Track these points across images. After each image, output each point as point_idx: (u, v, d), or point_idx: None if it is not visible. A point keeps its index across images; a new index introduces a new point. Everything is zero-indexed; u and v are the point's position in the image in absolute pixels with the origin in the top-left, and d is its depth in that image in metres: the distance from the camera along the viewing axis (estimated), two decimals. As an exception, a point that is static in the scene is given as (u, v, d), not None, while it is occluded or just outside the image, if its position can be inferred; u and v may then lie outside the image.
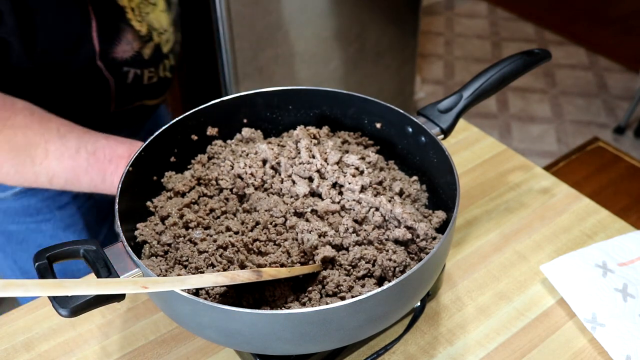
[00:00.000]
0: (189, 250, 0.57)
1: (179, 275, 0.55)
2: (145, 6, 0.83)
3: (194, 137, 0.69)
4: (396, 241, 0.59)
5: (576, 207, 0.83)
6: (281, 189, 0.64)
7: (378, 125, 0.71)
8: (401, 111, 0.67)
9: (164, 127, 0.64)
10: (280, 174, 0.65)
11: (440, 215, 0.62)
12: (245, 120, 0.72)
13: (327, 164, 0.64)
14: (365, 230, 0.59)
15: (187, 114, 0.67)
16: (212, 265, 0.55)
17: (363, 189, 0.62)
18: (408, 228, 0.59)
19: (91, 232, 0.92)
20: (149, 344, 0.66)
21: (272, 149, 0.66)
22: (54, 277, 0.48)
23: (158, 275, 0.54)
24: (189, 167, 0.69)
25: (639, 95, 2.32)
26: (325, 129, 0.71)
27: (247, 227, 0.60)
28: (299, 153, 0.66)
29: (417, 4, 1.99)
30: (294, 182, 0.64)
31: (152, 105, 0.94)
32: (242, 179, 0.65)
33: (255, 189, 0.64)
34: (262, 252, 0.58)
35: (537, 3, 3.21)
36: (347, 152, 0.69)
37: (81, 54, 0.76)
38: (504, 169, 0.89)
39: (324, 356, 0.61)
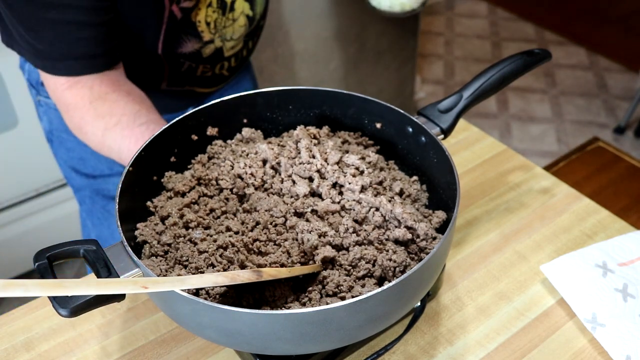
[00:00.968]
0: (189, 250, 0.57)
1: (179, 275, 0.55)
2: (223, 21, 0.87)
3: (194, 137, 0.69)
4: (396, 241, 0.59)
5: (576, 207, 0.83)
6: (281, 189, 0.64)
7: (378, 125, 0.71)
8: (401, 111, 0.67)
9: (164, 127, 0.64)
10: (280, 174, 0.65)
11: (440, 215, 0.62)
12: (245, 120, 0.72)
13: (327, 164, 0.64)
14: (365, 230, 0.59)
15: (187, 114, 0.67)
16: (212, 265, 0.55)
17: (363, 189, 0.62)
18: (408, 228, 0.59)
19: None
20: (149, 344, 0.66)
21: (272, 149, 0.66)
22: (54, 277, 0.48)
23: (158, 275, 0.54)
24: (189, 167, 0.69)
25: (639, 95, 2.32)
26: (325, 129, 0.71)
27: (247, 227, 0.60)
28: (299, 153, 0.66)
29: (417, 4, 1.99)
30: (294, 182, 0.64)
31: (202, 92, 0.98)
32: (242, 179, 0.65)
33: (256, 189, 0.64)
34: (262, 252, 0.58)
35: (537, 3, 3.21)
36: (347, 152, 0.69)
37: (146, 44, 0.84)
38: (504, 169, 0.89)
39: (324, 356, 0.61)
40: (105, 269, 0.49)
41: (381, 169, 0.68)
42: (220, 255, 0.56)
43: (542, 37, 2.97)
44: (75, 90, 0.74)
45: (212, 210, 0.62)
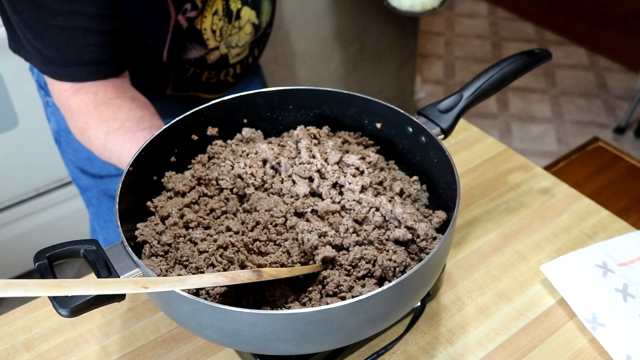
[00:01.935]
0: (189, 250, 0.57)
1: (179, 275, 0.55)
2: (229, 30, 0.87)
3: (194, 137, 0.69)
4: (396, 241, 0.59)
5: (576, 207, 0.83)
6: (281, 189, 0.64)
7: (378, 125, 0.71)
8: (401, 111, 0.67)
9: (164, 127, 0.64)
10: (280, 174, 0.65)
11: (440, 215, 0.62)
12: (245, 120, 0.72)
13: (328, 164, 0.64)
14: (365, 230, 0.59)
15: (187, 114, 0.67)
16: (212, 265, 0.55)
17: (363, 189, 0.62)
18: (408, 228, 0.59)
19: None
20: (149, 344, 0.66)
21: (272, 149, 0.66)
22: (54, 277, 0.48)
23: (158, 275, 0.54)
24: (189, 167, 0.69)
25: (639, 95, 2.32)
26: (325, 129, 0.71)
27: (247, 227, 0.60)
28: (299, 153, 0.66)
29: (417, 4, 1.99)
30: (294, 182, 0.64)
31: (207, 98, 0.97)
32: (242, 179, 0.65)
33: (256, 189, 0.64)
34: (262, 252, 0.58)
35: (537, 3, 3.21)
36: (347, 152, 0.69)
37: (152, 50, 0.84)
38: (504, 169, 0.89)
39: (324, 356, 0.61)
40: (105, 269, 0.49)
41: (381, 169, 0.68)
42: (221, 255, 0.56)
43: (542, 37, 2.97)
44: (80, 95, 0.74)
45: (212, 210, 0.62)
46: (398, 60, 2.08)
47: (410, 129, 0.67)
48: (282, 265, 0.55)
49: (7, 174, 1.50)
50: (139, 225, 0.60)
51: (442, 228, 0.62)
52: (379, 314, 0.50)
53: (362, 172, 0.64)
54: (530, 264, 0.75)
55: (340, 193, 0.63)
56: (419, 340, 0.67)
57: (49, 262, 0.49)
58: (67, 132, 0.97)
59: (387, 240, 0.58)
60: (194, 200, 0.63)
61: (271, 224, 0.60)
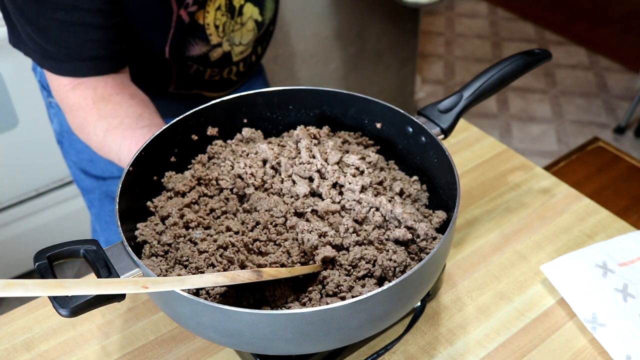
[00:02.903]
0: (189, 250, 0.57)
1: (179, 275, 0.55)
2: (232, 25, 0.87)
3: (194, 137, 0.69)
4: (396, 241, 0.59)
5: (576, 207, 0.83)
6: (281, 189, 0.64)
7: (378, 125, 0.71)
8: (401, 111, 0.67)
9: (164, 127, 0.64)
10: (280, 174, 0.65)
11: (440, 215, 0.62)
12: (245, 120, 0.72)
13: (328, 164, 0.64)
14: (365, 230, 0.59)
15: (187, 114, 0.67)
16: (213, 265, 0.55)
17: (363, 189, 0.62)
18: (408, 228, 0.59)
19: None
20: (149, 344, 0.66)
21: (272, 149, 0.66)
22: (54, 277, 0.48)
23: (158, 275, 0.54)
24: (189, 167, 0.69)
25: (639, 95, 2.32)
26: (325, 129, 0.71)
27: (247, 227, 0.60)
28: (299, 153, 0.66)
29: (417, 4, 1.99)
30: (294, 182, 0.64)
31: (211, 96, 0.97)
32: (242, 179, 0.65)
33: (256, 189, 0.64)
34: (262, 252, 0.58)
35: (537, 3, 3.21)
36: (347, 152, 0.69)
37: (154, 46, 0.84)
38: (504, 169, 0.89)
39: (324, 356, 0.61)
40: (105, 269, 0.49)
41: (381, 169, 0.68)
42: (221, 255, 0.56)
43: (542, 37, 2.97)
44: (79, 91, 0.74)
45: (212, 210, 0.62)
46: (398, 60, 2.08)
47: (410, 129, 0.67)
48: (282, 265, 0.55)
49: (7, 174, 1.50)
50: (139, 225, 0.60)
51: (442, 228, 0.62)
52: (379, 314, 0.50)
53: (362, 172, 0.64)
54: (530, 264, 0.75)
55: (340, 193, 0.63)
56: (419, 340, 0.67)
57: (49, 262, 0.49)
58: (70, 133, 0.97)
59: (387, 240, 0.58)
60: (194, 200, 0.63)
61: (271, 224, 0.60)
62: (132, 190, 0.59)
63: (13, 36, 0.79)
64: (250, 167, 0.65)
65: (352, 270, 0.56)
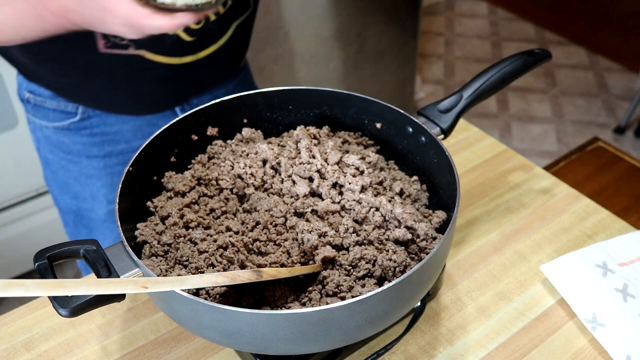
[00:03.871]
0: (189, 250, 0.57)
1: (179, 275, 0.55)
2: None
3: (194, 137, 0.69)
4: (396, 241, 0.59)
5: (576, 207, 0.83)
6: (281, 189, 0.64)
7: (378, 125, 0.71)
8: (401, 111, 0.67)
9: (163, 127, 0.64)
10: (280, 174, 0.65)
11: (440, 215, 0.62)
12: (245, 120, 0.72)
13: (327, 164, 0.64)
14: (365, 230, 0.59)
15: (187, 114, 0.67)
16: (212, 265, 0.55)
17: (363, 189, 0.62)
18: (408, 228, 0.59)
19: (110, 193, 0.93)
20: (149, 344, 0.66)
21: (272, 149, 0.66)
22: (54, 277, 0.48)
23: (158, 275, 0.54)
24: (189, 167, 0.69)
25: (639, 95, 2.32)
26: (325, 129, 0.71)
27: (247, 227, 0.60)
28: (299, 153, 0.66)
29: (417, 4, 1.99)
30: (294, 182, 0.64)
31: (161, 64, 0.79)
32: (242, 179, 0.65)
33: (256, 189, 0.64)
34: (262, 252, 0.58)
35: (537, 3, 3.21)
36: (347, 152, 0.69)
37: None
38: (504, 169, 0.89)
39: (324, 356, 0.61)
40: (105, 269, 0.49)
41: (381, 169, 0.68)
42: (220, 255, 0.56)
43: (542, 37, 2.97)
44: None
45: (212, 210, 0.62)
46: (398, 60, 2.09)
47: (410, 129, 0.67)
48: (282, 265, 0.55)
49: (7, 174, 1.50)
50: (139, 225, 0.60)
51: (442, 228, 0.62)
52: (379, 314, 0.50)
53: (362, 172, 0.64)
54: (530, 264, 0.75)
55: (340, 193, 0.63)
56: (419, 340, 0.67)
57: (49, 262, 0.49)
58: (45, 152, 0.91)
59: (387, 240, 0.58)
60: (194, 200, 0.63)
61: (271, 224, 0.60)
62: (132, 190, 0.59)
63: None
64: (250, 167, 0.65)
65: (352, 270, 0.56)
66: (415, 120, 0.66)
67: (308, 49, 1.81)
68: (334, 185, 0.63)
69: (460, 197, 0.57)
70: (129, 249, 0.51)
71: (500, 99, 2.59)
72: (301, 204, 0.61)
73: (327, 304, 0.48)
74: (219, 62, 0.87)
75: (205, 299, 0.54)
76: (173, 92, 0.87)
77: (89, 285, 0.41)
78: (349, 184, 0.62)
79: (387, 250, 0.57)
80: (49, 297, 0.44)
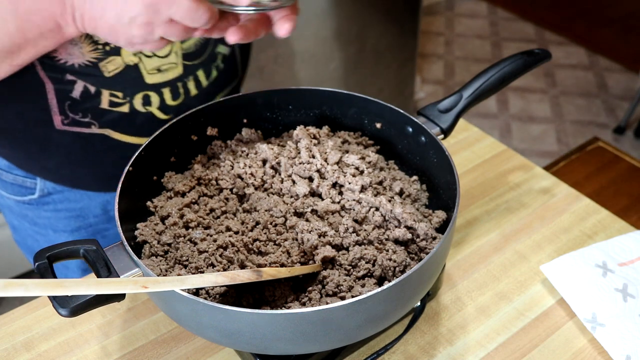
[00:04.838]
0: (189, 250, 0.57)
1: (179, 275, 0.55)
2: None
3: (194, 137, 0.69)
4: (396, 241, 0.59)
5: (576, 207, 0.83)
6: (281, 189, 0.64)
7: (378, 125, 0.71)
8: (401, 111, 0.67)
9: (163, 127, 0.64)
10: (280, 174, 0.65)
11: (440, 215, 0.62)
12: (245, 120, 0.72)
13: (327, 163, 0.64)
14: (365, 230, 0.59)
15: (187, 113, 0.67)
16: (212, 265, 0.55)
17: (363, 189, 0.62)
18: (408, 228, 0.59)
19: (84, 263, 0.79)
20: (149, 344, 0.66)
21: (272, 149, 0.66)
22: (54, 277, 0.48)
23: (158, 275, 0.54)
24: (189, 167, 0.69)
25: (639, 95, 2.32)
26: (325, 129, 0.71)
27: (247, 227, 0.60)
28: (299, 153, 0.66)
29: (417, 4, 1.99)
30: (294, 182, 0.64)
31: (129, 144, 0.71)
32: (242, 179, 0.65)
33: (255, 189, 0.64)
34: (262, 252, 0.58)
35: (537, 3, 3.21)
36: (347, 152, 0.69)
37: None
38: (504, 169, 0.89)
39: (324, 356, 0.61)
40: (105, 269, 0.49)
41: (381, 169, 0.68)
42: (220, 255, 0.56)
43: (542, 37, 2.97)
44: None
45: (212, 210, 0.62)
46: (398, 60, 2.08)
47: (410, 129, 0.67)
48: (282, 265, 0.56)
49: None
50: (138, 225, 0.60)
51: (442, 228, 0.62)
52: (379, 313, 0.50)
53: (362, 172, 0.64)
54: (530, 264, 0.75)
55: (340, 193, 0.63)
56: (418, 340, 0.67)
57: (49, 262, 0.49)
58: (11, 218, 0.85)
59: (386, 240, 0.58)
60: (193, 200, 0.63)
61: (271, 224, 0.60)
62: (132, 190, 0.59)
63: None
64: (250, 167, 0.65)
65: (351, 270, 0.56)
66: (415, 120, 0.66)
67: (308, 49, 1.81)
68: (334, 185, 0.63)
69: (460, 197, 0.57)
70: (129, 248, 0.51)
71: (500, 99, 2.59)
72: (301, 203, 0.61)
73: (327, 303, 0.48)
74: None
75: (205, 298, 0.54)
76: None
77: (89, 285, 0.41)
78: (349, 183, 0.62)
79: (387, 250, 0.57)
80: (49, 296, 0.44)
